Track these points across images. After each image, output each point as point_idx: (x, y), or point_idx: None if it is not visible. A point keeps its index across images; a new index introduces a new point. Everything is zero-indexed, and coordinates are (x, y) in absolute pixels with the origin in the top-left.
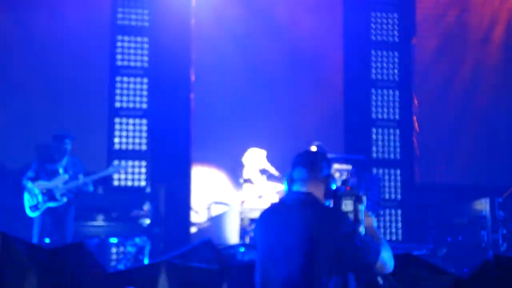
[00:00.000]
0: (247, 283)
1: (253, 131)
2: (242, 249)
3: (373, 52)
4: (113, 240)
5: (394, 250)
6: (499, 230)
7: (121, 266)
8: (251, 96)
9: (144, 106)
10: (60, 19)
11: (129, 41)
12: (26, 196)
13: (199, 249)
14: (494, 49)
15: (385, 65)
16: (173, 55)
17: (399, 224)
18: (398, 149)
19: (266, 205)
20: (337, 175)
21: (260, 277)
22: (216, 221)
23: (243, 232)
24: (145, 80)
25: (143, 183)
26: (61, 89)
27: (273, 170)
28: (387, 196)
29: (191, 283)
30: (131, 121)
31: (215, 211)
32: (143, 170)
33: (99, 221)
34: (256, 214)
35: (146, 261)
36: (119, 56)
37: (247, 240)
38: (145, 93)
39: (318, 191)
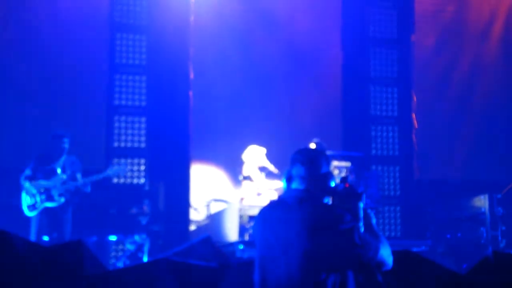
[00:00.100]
0: (246, 280)
1: (252, 128)
2: (241, 247)
3: (371, 49)
4: (112, 238)
5: (393, 247)
6: (498, 226)
7: (120, 264)
8: (250, 93)
9: (143, 103)
10: (58, 16)
11: (127, 39)
12: (24, 196)
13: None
14: (492, 45)
15: (383, 62)
16: (172, 53)
17: (398, 221)
18: (396, 146)
19: (265, 202)
20: (336, 172)
21: (258, 275)
22: (215, 219)
23: (242, 230)
24: (144, 77)
25: (142, 181)
26: (59, 87)
27: (272, 168)
28: (386, 192)
29: (190, 280)
30: (130, 118)
31: (214, 208)
32: (142, 167)
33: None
34: (255, 212)
35: (145, 259)
36: (117, 54)
37: (246, 238)
38: (144, 90)
39: (316, 189)
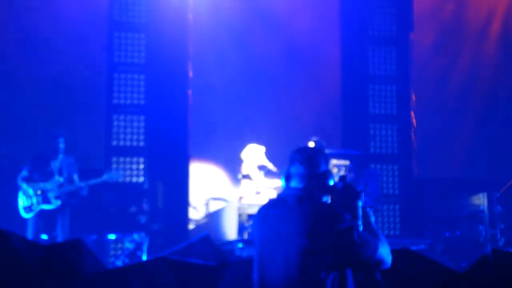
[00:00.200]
0: (245, 279)
1: (251, 126)
2: (240, 245)
3: (370, 47)
4: (111, 236)
5: (392, 245)
6: (497, 224)
7: (119, 263)
8: (249, 92)
9: (142, 102)
10: (57, 15)
11: (126, 37)
12: (20, 197)
13: (197, 245)
14: (491, 43)
15: (382, 60)
16: (171, 51)
17: (397, 219)
18: (395, 144)
19: (264, 201)
20: (335, 170)
21: (257, 273)
22: (214, 217)
23: (241, 228)
24: (143, 76)
25: (141, 179)
26: (58, 86)
27: (271, 166)
28: (385, 191)
29: (189, 279)
30: (128, 117)
31: (213, 207)
32: (141, 166)
33: (98, 218)
34: (254, 210)
35: (144, 258)
36: (116, 53)
37: (245, 236)
38: (142, 89)
39: (315, 187)
